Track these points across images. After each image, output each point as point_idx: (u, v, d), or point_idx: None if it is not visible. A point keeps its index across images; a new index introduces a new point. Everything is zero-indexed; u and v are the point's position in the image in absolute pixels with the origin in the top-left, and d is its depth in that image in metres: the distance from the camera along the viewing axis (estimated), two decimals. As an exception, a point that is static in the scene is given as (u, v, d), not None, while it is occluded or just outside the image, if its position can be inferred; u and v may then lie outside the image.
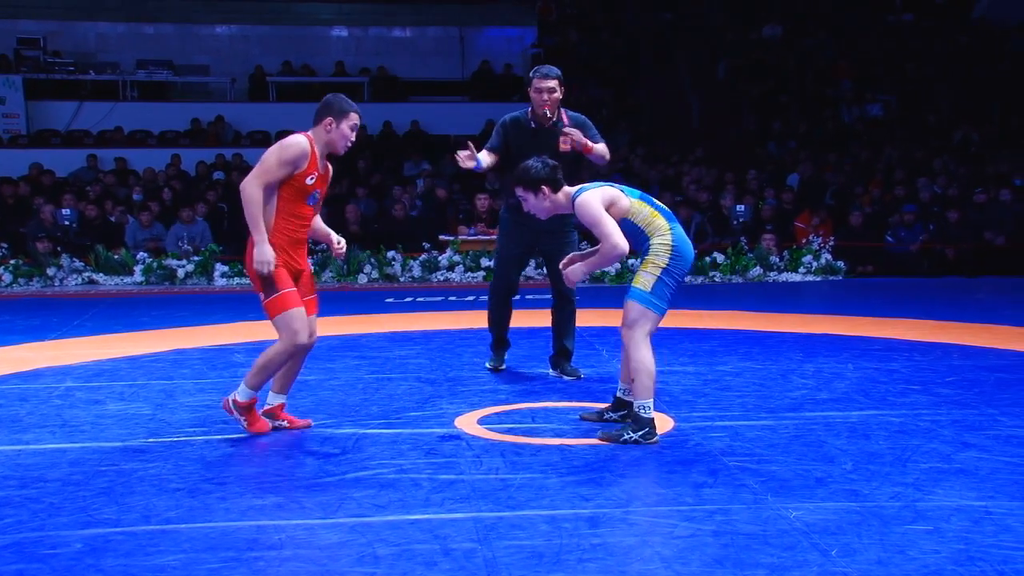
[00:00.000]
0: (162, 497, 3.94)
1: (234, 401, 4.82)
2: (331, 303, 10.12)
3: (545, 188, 4.76)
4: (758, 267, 12.01)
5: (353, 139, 4.74)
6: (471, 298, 10.31)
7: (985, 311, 9.24)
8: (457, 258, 11.92)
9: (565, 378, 6.17)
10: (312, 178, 4.67)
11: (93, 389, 5.93)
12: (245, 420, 4.83)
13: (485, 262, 11.73)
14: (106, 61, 18.50)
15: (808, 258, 12.11)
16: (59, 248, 11.98)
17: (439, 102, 18.35)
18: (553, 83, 5.97)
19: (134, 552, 3.36)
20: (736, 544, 3.38)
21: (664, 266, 4.58)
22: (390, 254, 12.02)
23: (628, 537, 3.46)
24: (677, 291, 4.67)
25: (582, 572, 3.18)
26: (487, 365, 6.48)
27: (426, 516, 3.68)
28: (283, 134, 18.09)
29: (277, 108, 17.72)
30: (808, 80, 18.72)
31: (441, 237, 12.33)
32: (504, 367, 6.46)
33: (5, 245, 11.94)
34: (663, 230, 4.62)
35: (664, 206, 4.79)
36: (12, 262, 11.74)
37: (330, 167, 4.89)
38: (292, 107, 17.68)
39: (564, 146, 5.84)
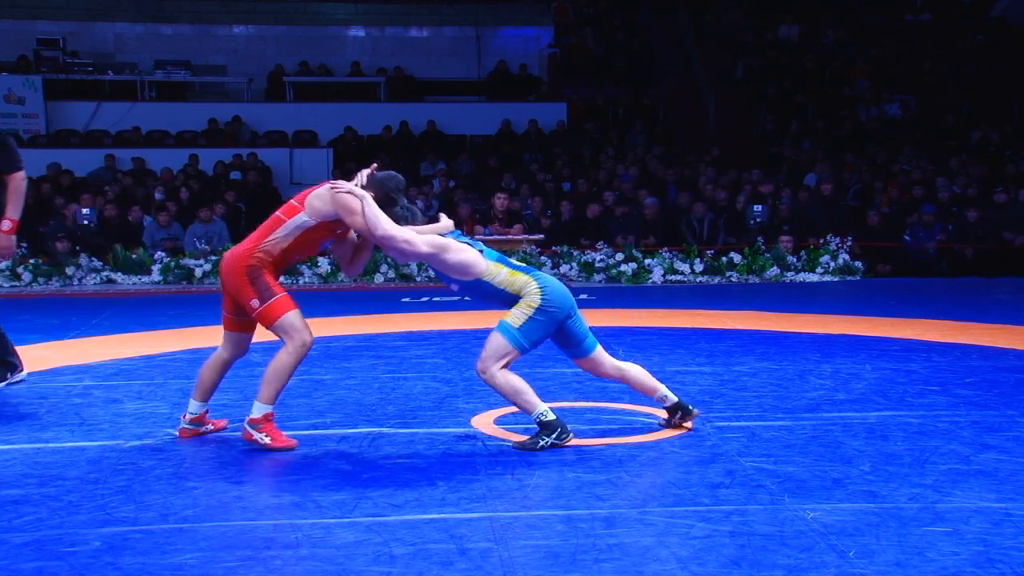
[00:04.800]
0: (180, 496, 3.95)
1: (250, 420, 4.60)
2: (347, 302, 10.15)
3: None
4: (775, 267, 11.97)
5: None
6: (487, 298, 10.31)
7: (1004, 311, 9.18)
8: (473, 258, 11.92)
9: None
10: (343, 228, 4.71)
11: (111, 388, 5.96)
12: (268, 436, 4.58)
13: (501, 262, 11.73)
14: (124, 61, 18.59)
15: (826, 258, 12.06)
16: (78, 247, 12.05)
17: (455, 102, 18.36)
18: None
19: (152, 550, 3.38)
20: (753, 545, 3.37)
21: (537, 305, 4.53)
22: (407, 254, 12.01)
23: (644, 537, 3.46)
24: (553, 331, 4.61)
25: (598, 572, 3.18)
26: None
27: (442, 516, 3.69)
28: (300, 134, 18.05)
29: (294, 108, 17.78)
30: (825, 80, 18.63)
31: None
32: None
33: (25, 244, 12.02)
34: (527, 284, 4.57)
35: (517, 263, 4.74)
36: (32, 261, 11.82)
37: None
38: (309, 107, 17.76)
39: None
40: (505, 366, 4.55)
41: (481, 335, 7.79)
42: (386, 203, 4.63)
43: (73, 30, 18.55)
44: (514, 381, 4.56)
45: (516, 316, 4.56)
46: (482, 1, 19.88)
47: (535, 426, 4.60)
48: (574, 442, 4.66)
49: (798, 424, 4.97)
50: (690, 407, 4.90)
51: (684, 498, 3.88)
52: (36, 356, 7.04)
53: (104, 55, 18.74)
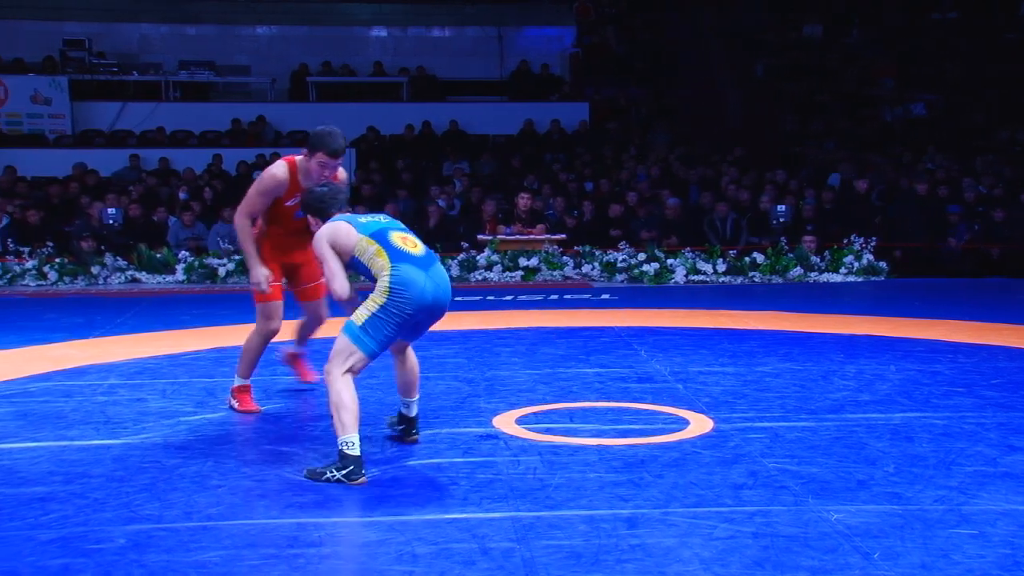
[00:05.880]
0: (203, 494, 3.98)
1: (231, 388, 5.40)
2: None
3: (310, 217, 4.61)
4: (799, 267, 11.91)
5: (325, 175, 4.91)
6: (509, 297, 10.31)
7: (1031, 313, 9.08)
8: (495, 257, 11.93)
9: None
10: (293, 201, 5.06)
11: (136, 387, 6.00)
12: (237, 400, 5.33)
13: (523, 261, 11.73)
14: (149, 62, 18.74)
15: (849, 258, 11.98)
16: (103, 247, 12.14)
17: (478, 102, 18.39)
18: None
19: (176, 548, 3.40)
20: (776, 546, 3.36)
21: (381, 303, 4.24)
22: (428, 253, 12.03)
23: (667, 538, 3.45)
24: (406, 328, 4.37)
25: (620, 573, 3.17)
26: None
27: (464, 515, 3.69)
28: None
29: (317, 108, 17.82)
30: (849, 79, 18.51)
31: (479, 237, 12.36)
32: None
33: (51, 244, 12.12)
34: (384, 270, 4.29)
35: (398, 246, 4.37)
36: (57, 260, 11.91)
37: (339, 174, 5.09)
38: (332, 107, 17.80)
39: None
40: (352, 369, 4.21)
41: (503, 335, 7.83)
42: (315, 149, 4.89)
43: (98, 31, 18.69)
44: (347, 395, 4.15)
45: (360, 313, 4.27)
46: (504, 1, 19.89)
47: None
48: (595, 442, 4.66)
49: (822, 425, 4.94)
50: (415, 431, 4.72)
51: (707, 499, 3.86)
52: (61, 355, 7.10)
53: (129, 56, 18.88)
